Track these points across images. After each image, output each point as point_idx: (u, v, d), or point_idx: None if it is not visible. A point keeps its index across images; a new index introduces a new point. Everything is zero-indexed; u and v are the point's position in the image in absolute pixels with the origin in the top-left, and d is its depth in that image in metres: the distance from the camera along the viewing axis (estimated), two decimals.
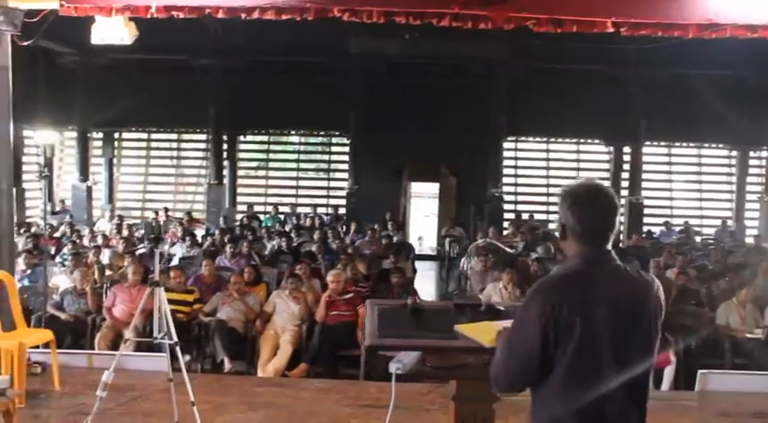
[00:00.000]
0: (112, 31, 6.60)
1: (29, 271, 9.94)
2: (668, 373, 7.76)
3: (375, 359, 3.01)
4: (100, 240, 12.87)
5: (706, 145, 19.71)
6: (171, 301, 8.68)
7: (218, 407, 5.42)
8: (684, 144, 19.67)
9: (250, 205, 19.00)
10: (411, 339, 2.85)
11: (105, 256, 11.57)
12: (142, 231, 15.00)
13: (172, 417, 4.89)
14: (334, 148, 20.77)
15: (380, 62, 17.37)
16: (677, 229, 17.82)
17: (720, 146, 19.49)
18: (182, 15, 5.97)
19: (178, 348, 4.83)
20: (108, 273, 10.60)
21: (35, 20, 6.88)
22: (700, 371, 6.02)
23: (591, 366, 2.41)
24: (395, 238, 14.83)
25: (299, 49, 16.97)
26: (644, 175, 19.10)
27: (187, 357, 8.13)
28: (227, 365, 7.85)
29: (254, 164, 21.26)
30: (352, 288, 8.77)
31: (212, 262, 9.99)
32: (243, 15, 5.86)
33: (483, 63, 17.15)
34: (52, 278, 9.84)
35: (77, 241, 12.58)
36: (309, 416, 5.28)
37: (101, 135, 20.14)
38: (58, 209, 19.26)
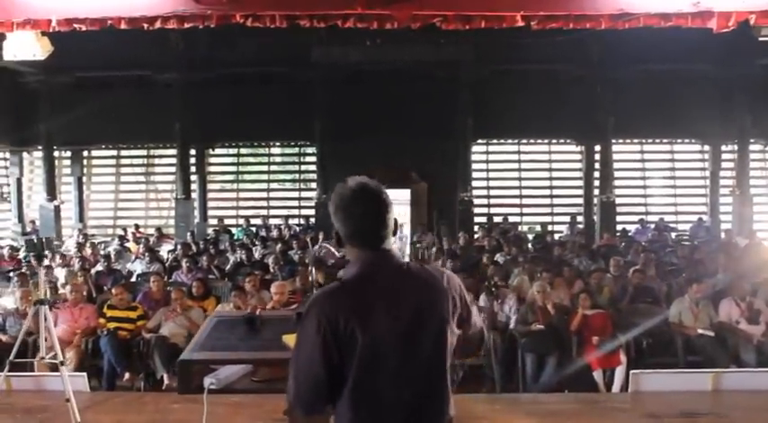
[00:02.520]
0: (24, 47, 6.46)
1: None
2: (619, 372, 7.64)
3: (188, 374, 2.87)
4: (58, 260, 12.70)
5: (678, 141, 19.60)
6: (114, 319, 8.64)
7: None
8: (657, 141, 19.51)
9: (220, 219, 18.85)
10: (226, 352, 2.71)
11: (61, 276, 11.43)
12: (111, 249, 14.83)
13: None
14: (304, 158, 20.63)
15: (344, 70, 17.26)
16: (652, 226, 17.69)
17: (692, 141, 19.37)
18: (84, 28, 5.83)
19: (64, 368, 4.65)
20: (62, 292, 10.44)
21: None
22: (631, 371, 5.87)
23: (379, 374, 2.28)
24: None
25: (262, 59, 16.96)
26: (617, 173, 19.04)
27: (127, 375, 8.04)
28: (166, 382, 7.72)
29: (225, 177, 21.13)
30: (301, 299, 8.64)
31: (161, 278, 9.84)
32: (145, 26, 5.73)
33: (447, 67, 17.02)
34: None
35: (32, 262, 12.38)
36: None
37: (69, 154, 19.98)
38: (28, 229, 19.08)
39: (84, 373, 6.31)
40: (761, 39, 6.11)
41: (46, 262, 12.89)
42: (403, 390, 2.29)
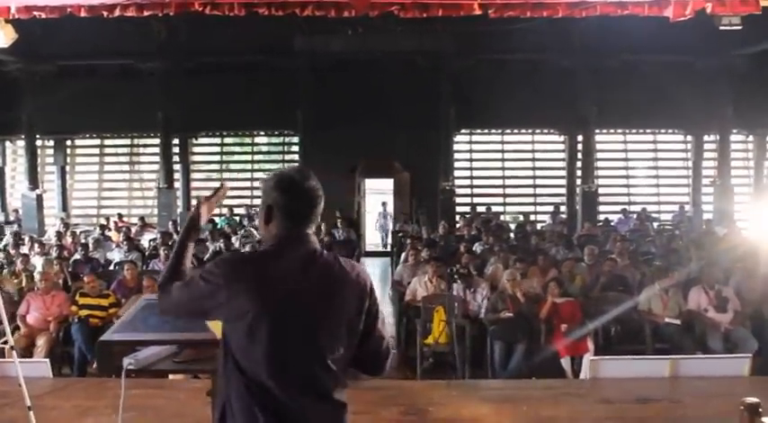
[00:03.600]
0: None
1: None
2: (587, 360, 7.69)
3: (107, 355, 2.92)
4: (37, 248, 12.69)
5: (662, 131, 19.63)
6: (86, 306, 8.67)
7: (85, 410, 5.29)
8: (640, 131, 19.53)
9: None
10: (149, 333, 2.75)
11: (39, 264, 11.42)
12: (90, 238, 14.81)
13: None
14: (288, 148, 20.59)
15: (326, 59, 17.25)
16: (634, 216, 17.73)
17: (675, 131, 19.41)
18: (43, 16, 5.81)
19: (14, 352, 4.65)
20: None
21: None
22: (590, 358, 5.92)
23: (264, 348, 2.33)
24: (338, 236, 14.71)
25: (245, 48, 16.91)
26: (600, 164, 19.11)
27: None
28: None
29: (209, 166, 21.08)
30: None
31: (135, 266, 9.86)
32: (105, 13, 5.71)
33: (429, 56, 17.03)
34: None
35: (8, 250, 12.38)
36: (175, 417, 5.16)
37: (52, 143, 19.92)
38: (12, 218, 19.05)
39: (47, 360, 6.34)
40: (721, 28, 6.12)
41: (26, 250, 12.90)
42: (286, 368, 2.33)
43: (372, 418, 4.86)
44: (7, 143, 19.83)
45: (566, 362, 7.79)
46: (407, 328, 9.18)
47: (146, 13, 5.77)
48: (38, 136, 18.79)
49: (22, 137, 18.72)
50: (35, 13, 5.77)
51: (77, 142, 20.36)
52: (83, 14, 5.69)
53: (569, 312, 8.17)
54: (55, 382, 5.99)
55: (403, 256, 11.97)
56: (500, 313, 8.22)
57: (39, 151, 19.36)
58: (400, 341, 9.66)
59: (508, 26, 13.92)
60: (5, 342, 4.62)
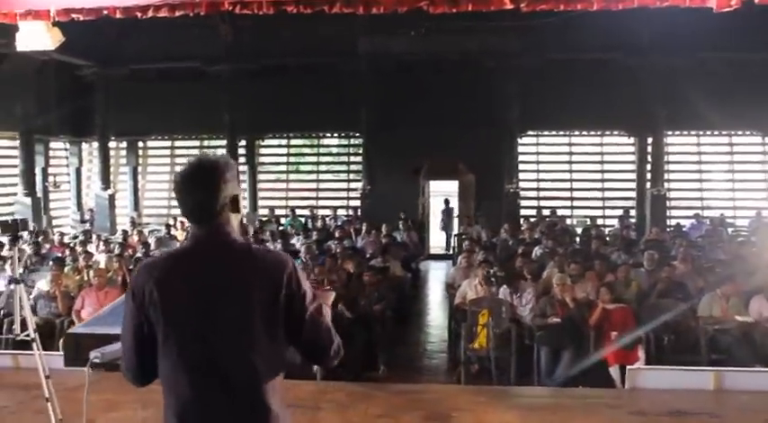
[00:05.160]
0: (35, 38, 6.61)
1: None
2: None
3: (73, 348, 2.94)
4: (102, 246, 13.05)
5: (739, 132, 18.84)
6: None
7: (112, 404, 5.36)
8: (714, 132, 18.76)
9: (271, 209, 19.04)
10: (117, 328, 2.72)
11: (101, 261, 11.73)
12: (152, 236, 15.15)
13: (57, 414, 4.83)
14: (352, 149, 20.64)
15: (390, 60, 17.22)
16: (707, 221, 17.10)
17: (752, 133, 18.61)
18: (81, 17, 5.93)
19: (35, 345, 4.71)
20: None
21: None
22: (628, 367, 5.66)
23: (177, 350, 2.27)
24: (400, 238, 14.65)
25: (309, 50, 17.04)
26: (672, 167, 18.55)
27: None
28: None
29: (276, 167, 21.31)
30: (320, 288, 8.67)
31: None
32: (139, 14, 5.78)
33: (494, 56, 16.78)
34: (38, 283, 10.01)
35: (75, 248, 12.77)
36: None
37: (124, 144, 20.50)
38: (87, 217, 19.70)
39: None
40: None
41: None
42: (204, 366, 2.26)
43: (392, 422, 4.77)
44: (83, 145, 20.46)
45: (614, 371, 7.49)
46: (456, 332, 9.04)
47: (177, 14, 5.80)
48: (111, 138, 19.40)
49: (96, 139, 19.33)
50: (73, 15, 5.89)
51: (149, 144, 20.87)
52: (118, 16, 5.78)
53: (621, 319, 7.88)
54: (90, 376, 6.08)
55: (459, 259, 11.82)
56: (548, 318, 8.00)
57: (112, 152, 19.96)
58: (451, 345, 9.57)
59: (575, 24, 13.64)
60: (28, 334, 4.69)
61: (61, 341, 6.80)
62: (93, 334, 2.85)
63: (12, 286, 4.85)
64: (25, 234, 14.51)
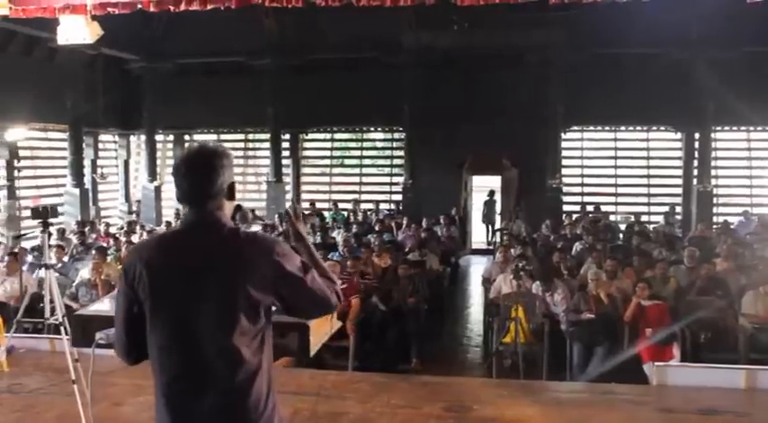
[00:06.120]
0: (75, 32, 6.75)
1: (59, 265, 10.34)
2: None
3: (81, 328, 3.03)
4: (145, 236, 13.28)
5: None
6: None
7: (141, 388, 5.46)
8: (766, 128, 18.28)
9: (313, 202, 19.18)
10: None
11: None
12: None
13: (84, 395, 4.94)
14: (395, 144, 20.64)
15: (434, 55, 17.17)
16: (756, 218, 16.72)
17: None
18: (116, 11, 6.06)
19: (63, 329, 4.84)
20: None
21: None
22: (655, 364, 5.58)
23: (162, 329, 2.32)
24: (440, 232, 14.64)
25: (353, 45, 17.07)
26: (720, 163, 18.19)
27: None
28: None
29: (321, 161, 21.44)
30: (353, 280, 8.73)
31: None
32: (171, 8, 5.89)
33: (539, 51, 16.62)
34: (81, 271, 10.26)
35: (119, 237, 13.04)
36: None
37: (171, 137, 20.84)
38: (134, 209, 20.10)
39: None
40: None
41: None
42: (187, 346, 2.29)
43: (413, 412, 4.80)
44: (132, 138, 20.86)
45: (648, 368, 7.39)
46: (490, 326, 9.02)
47: (209, 7, 5.90)
48: (158, 131, 19.73)
49: (144, 131, 19.69)
50: (109, 9, 6.03)
51: (195, 137, 21.15)
52: (152, 9, 5.91)
53: (656, 316, 7.77)
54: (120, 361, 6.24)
55: (496, 253, 11.77)
56: (581, 314, 7.92)
57: (159, 145, 20.31)
58: (486, 339, 9.55)
59: (621, 18, 13.45)
60: (56, 319, 4.82)
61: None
62: (99, 315, 2.92)
63: (42, 272, 4.99)
64: (72, 223, 14.92)
